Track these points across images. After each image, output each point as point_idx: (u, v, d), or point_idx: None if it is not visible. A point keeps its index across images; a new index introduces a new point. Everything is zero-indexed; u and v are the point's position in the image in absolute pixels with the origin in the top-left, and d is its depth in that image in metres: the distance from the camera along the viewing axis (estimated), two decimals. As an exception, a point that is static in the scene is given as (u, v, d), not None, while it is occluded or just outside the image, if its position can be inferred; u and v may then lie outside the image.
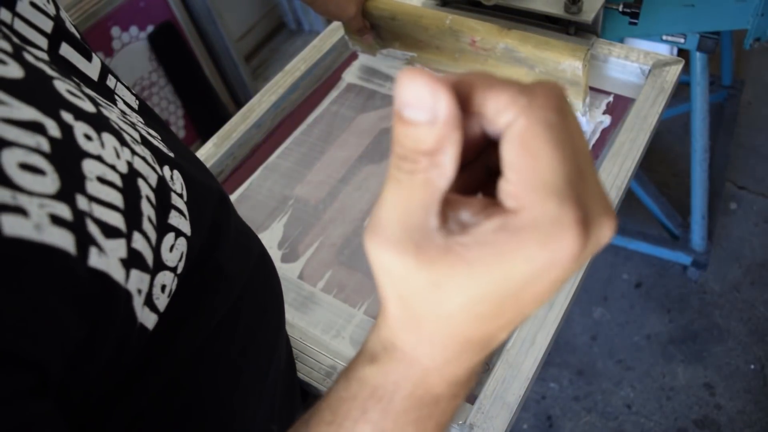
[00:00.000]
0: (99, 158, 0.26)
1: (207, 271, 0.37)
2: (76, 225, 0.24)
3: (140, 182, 0.29)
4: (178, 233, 0.32)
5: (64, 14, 0.34)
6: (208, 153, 0.80)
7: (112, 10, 1.52)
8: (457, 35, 0.77)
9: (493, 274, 0.21)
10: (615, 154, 0.71)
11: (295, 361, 0.60)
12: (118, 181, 0.27)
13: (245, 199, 0.79)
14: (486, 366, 0.61)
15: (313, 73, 0.90)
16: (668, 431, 1.30)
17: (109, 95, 0.36)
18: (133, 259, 0.27)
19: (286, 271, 0.70)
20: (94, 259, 0.25)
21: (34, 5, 0.31)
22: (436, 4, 0.92)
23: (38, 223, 0.22)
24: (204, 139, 1.54)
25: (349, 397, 0.26)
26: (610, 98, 0.80)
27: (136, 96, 0.40)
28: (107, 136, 0.28)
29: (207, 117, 1.79)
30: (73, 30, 0.34)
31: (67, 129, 0.25)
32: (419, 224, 0.21)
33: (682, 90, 1.23)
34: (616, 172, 0.69)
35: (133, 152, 0.30)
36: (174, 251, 0.32)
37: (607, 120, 0.78)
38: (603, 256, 1.56)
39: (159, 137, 0.35)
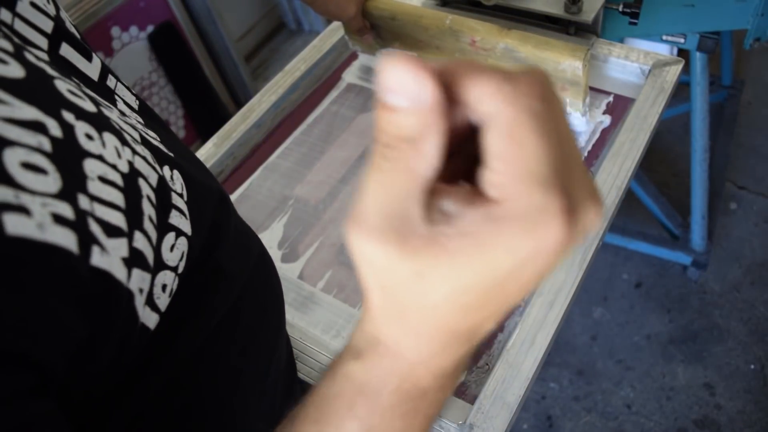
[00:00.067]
0: (100, 158, 0.26)
1: (207, 271, 0.37)
2: (78, 224, 0.24)
3: (141, 182, 0.29)
4: (179, 233, 0.32)
5: (64, 14, 0.34)
6: (208, 153, 0.80)
7: (112, 10, 1.52)
8: (457, 35, 0.77)
9: (476, 265, 0.20)
10: (615, 154, 0.71)
11: (295, 361, 0.60)
12: (119, 180, 0.27)
13: (245, 199, 0.79)
14: (486, 366, 0.61)
15: (313, 73, 0.90)
16: (668, 431, 1.30)
17: (110, 95, 0.36)
18: (135, 259, 0.27)
19: (286, 271, 0.70)
20: (97, 258, 0.25)
21: (34, 5, 0.31)
22: (436, 4, 0.92)
23: (41, 222, 0.22)
24: (204, 139, 1.54)
25: (335, 394, 0.26)
26: (610, 98, 0.80)
27: (137, 96, 0.40)
28: (108, 136, 0.28)
29: (207, 117, 1.79)
30: (73, 30, 0.34)
31: (68, 128, 0.25)
32: (402, 213, 0.21)
33: (682, 90, 1.23)
34: (616, 172, 0.69)
35: (134, 152, 0.30)
36: (175, 251, 0.32)
37: (607, 120, 0.78)
38: (603, 256, 1.56)
39: (158, 138, 0.35)
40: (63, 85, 0.27)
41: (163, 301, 0.31)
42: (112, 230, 0.26)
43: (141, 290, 0.28)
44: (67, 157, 0.24)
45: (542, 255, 0.20)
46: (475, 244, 0.20)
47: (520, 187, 0.20)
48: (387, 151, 0.21)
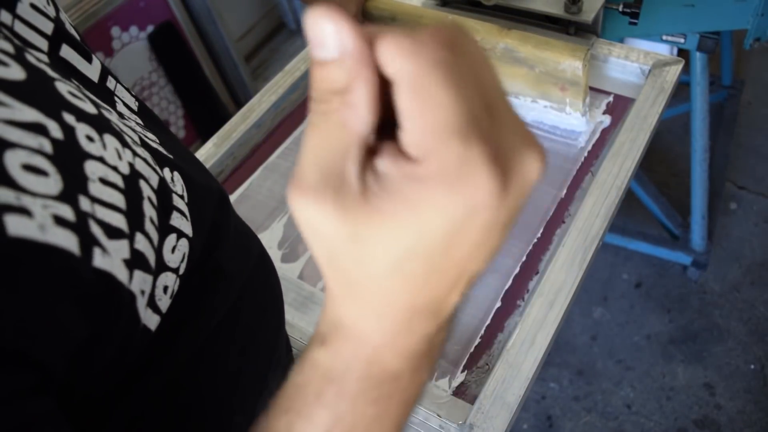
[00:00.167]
0: (101, 159, 0.26)
1: (207, 272, 0.37)
2: (79, 226, 0.24)
3: (142, 183, 0.29)
4: (180, 234, 0.32)
5: (63, 16, 0.34)
6: (208, 153, 0.80)
7: (112, 10, 1.52)
8: (457, 35, 0.77)
9: (409, 227, 0.20)
10: (615, 154, 0.71)
11: (295, 361, 0.60)
12: (120, 182, 0.27)
13: (245, 199, 0.79)
14: (486, 366, 0.61)
15: (314, 73, 0.90)
16: (668, 431, 1.30)
17: (109, 97, 0.36)
18: (136, 260, 0.27)
19: (286, 271, 0.70)
20: (99, 260, 0.25)
21: (34, 7, 0.31)
22: (436, 4, 0.92)
23: (42, 224, 0.22)
24: (204, 139, 1.54)
25: (303, 383, 0.25)
26: (610, 98, 0.80)
27: (136, 98, 0.40)
28: (109, 138, 0.28)
29: (207, 117, 1.79)
30: (73, 31, 0.35)
31: (69, 130, 0.25)
32: (337, 169, 0.20)
33: (682, 90, 1.23)
34: (616, 172, 0.69)
35: (135, 153, 0.30)
36: (176, 252, 0.32)
37: (607, 120, 0.78)
38: (603, 256, 1.56)
39: (157, 140, 0.35)
40: (63, 87, 0.27)
41: (164, 302, 0.31)
42: (113, 232, 0.26)
43: (143, 292, 0.28)
44: (68, 158, 0.25)
45: (478, 209, 0.20)
46: (404, 205, 0.19)
47: (436, 140, 0.19)
48: (320, 106, 0.20)
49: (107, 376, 0.29)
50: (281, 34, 2.29)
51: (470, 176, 0.19)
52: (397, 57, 0.19)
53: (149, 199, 0.29)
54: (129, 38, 1.59)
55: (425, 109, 0.19)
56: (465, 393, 0.59)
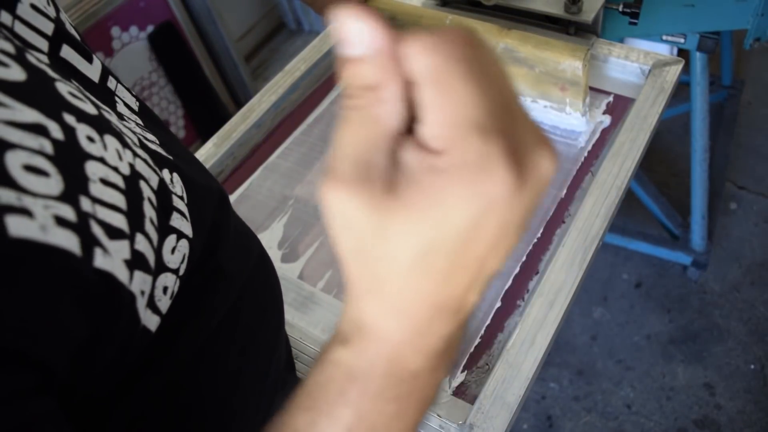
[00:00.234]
0: (102, 160, 0.26)
1: (207, 272, 0.37)
2: (81, 226, 0.24)
3: (142, 184, 0.29)
4: (180, 235, 0.32)
5: (64, 16, 0.34)
6: (208, 153, 0.81)
7: (112, 10, 1.52)
8: (457, 35, 0.77)
9: (429, 219, 0.20)
10: (615, 154, 0.71)
11: (295, 361, 0.60)
12: (120, 182, 0.27)
13: (245, 199, 0.79)
14: (486, 366, 0.61)
15: (313, 73, 0.90)
16: (668, 431, 1.30)
17: (110, 97, 0.36)
18: (137, 261, 0.27)
19: (286, 271, 0.70)
20: (100, 260, 0.25)
21: (34, 7, 0.31)
22: (436, 4, 0.92)
23: (43, 224, 0.22)
24: (204, 139, 1.54)
25: (325, 381, 0.25)
26: (610, 98, 0.80)
27: (137, 97, 0.40)
28: (109, 138, 0.28)
29: (207, 117, 1.79)
30: (73, 32, 0.35)
31: (69, 131, 0.25)
32: (368, 161, 0.21)
33: (682, 90, 1.23)
34: (616, 172, 0.70)
35: (135, 154, 0.30)
36: (176, 253, 0.32)
37: (607, 120, 0.78)
38: (603, 256, 1.56)
39: (157, 141, 0.35)
40: (64, 88, 0.27)
41: (164, 303, 0.31)
42: (113, 232, 0.26)
43: (142, 292, 0.28)
44: (69, 159, 0.25)
45: (495, 204, 0.20)
46: (424, 196, 0.20)
47: (456, 134, 0.20)
48: (353, 102, 0.21)
49: (108, 376, 0.29)
50: (281, 34, 2.29)
51: (488, 170, 0.20)
52: (422, 53, 0.20)
53: (149, 199, 0.29)
54: (129, 38, 1.59)
55: (447, 102, 0.20)
56: (465, 393, 0.59)
